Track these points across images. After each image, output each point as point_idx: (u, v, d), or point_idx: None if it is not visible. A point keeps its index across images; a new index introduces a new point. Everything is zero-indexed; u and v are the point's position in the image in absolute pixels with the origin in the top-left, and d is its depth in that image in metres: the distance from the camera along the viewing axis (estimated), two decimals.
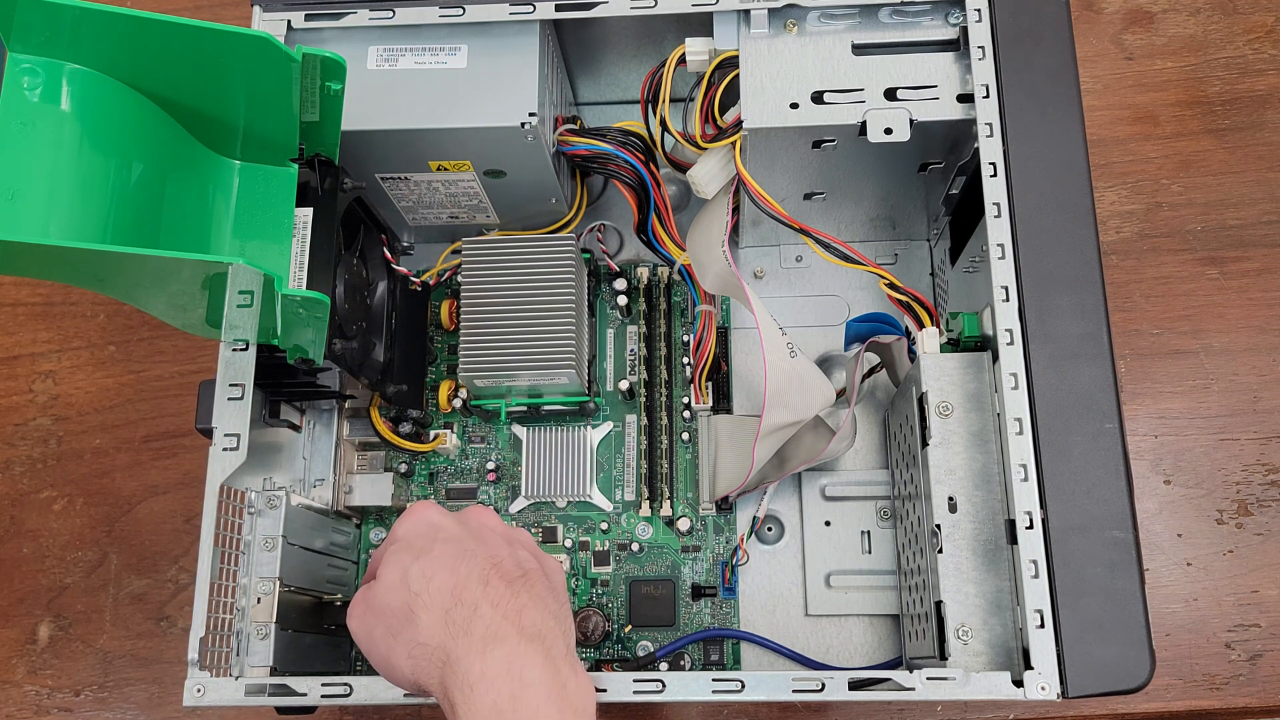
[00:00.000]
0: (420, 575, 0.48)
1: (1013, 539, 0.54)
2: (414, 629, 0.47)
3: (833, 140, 0.63)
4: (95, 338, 0.82)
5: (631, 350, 0.76)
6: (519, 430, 0.74)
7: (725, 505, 0.72)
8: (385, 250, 0.71)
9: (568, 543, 0.73)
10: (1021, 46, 0.60)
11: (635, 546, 0.72)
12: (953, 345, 0.62)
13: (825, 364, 0.75)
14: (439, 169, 0.68)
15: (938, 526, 0.56)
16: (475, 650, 0.45)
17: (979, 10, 0.61)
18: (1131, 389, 0.76)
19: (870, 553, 0.70)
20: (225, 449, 0.57)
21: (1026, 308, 0.56)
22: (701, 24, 0.65)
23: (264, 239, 0.58)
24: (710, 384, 0.72)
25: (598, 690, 0.51)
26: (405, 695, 0.53)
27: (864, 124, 0.60)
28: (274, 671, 0.58)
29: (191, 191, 0.57)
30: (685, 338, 0.75)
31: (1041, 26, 0.60)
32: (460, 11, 0.64)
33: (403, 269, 0.72)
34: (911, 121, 0.60)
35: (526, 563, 0.51)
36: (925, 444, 0.58)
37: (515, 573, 0.49)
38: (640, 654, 0.70)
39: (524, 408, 0.72)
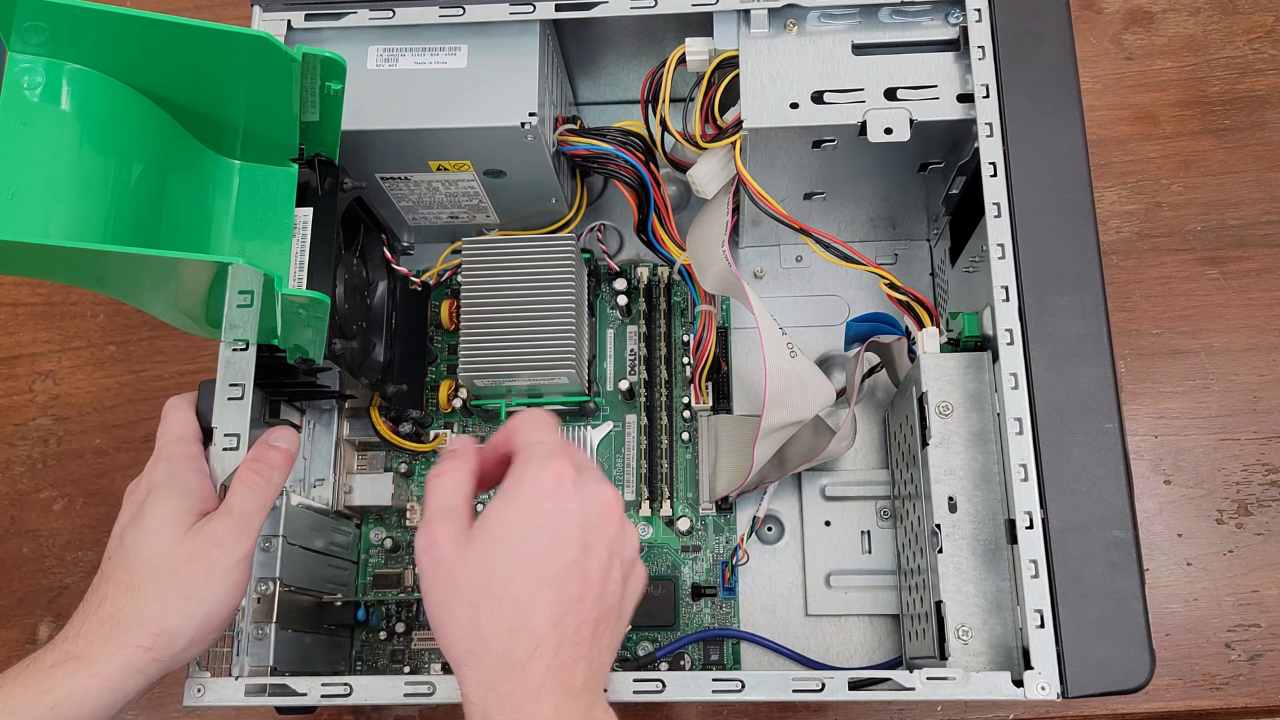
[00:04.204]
0: (506, 591, 0.46)
1: (1013, 539, 0.54)
2: (478, 628, 0.46)
3: (833, 140, 0.63)
4: (95, 338, 0.82)
5: (631, 350, 0.76)
6: None
7: (725, 505, 0.72)
8: (385, 250, 0.71)
9: None
10: (1021, 46, 0.60)
11: None
12: (953, 345, 0.62)
13: (825, 364, 0.75)
14: (439, 169, 0.68)
15: (938, 526, 0.56)
16: (529, 691, 0.45)
17: (979, 10, 0.61)
18: (1131, 389, 0.76)
19: (870, 553, 0.70)
20: (225, 449, 0.56)
21: (1026, 308, 0.56)
22: (701, 24, 0.64)
23: (264, 239, 0.58)
24: (710, 384, 0.72)
25: None
26: (405, 695, 0.53)
27: (864, 124, 0.60)
28: (274, 671, 0.58)
29: (191, 191, 0.57)
30: (685, 338, 0.75)
31: (1041, 26, 0.60)
32: (460, 11, 0.64)
33: (403, 269, 0.72)
34: (911, 121, 0.60)
35: (610, 597, 0.48)
36: (925, 444, 0.58)
37: (592, 613, 0.47)
38: (640, 654, 0.70)
39: (524, 408, 0.72)
